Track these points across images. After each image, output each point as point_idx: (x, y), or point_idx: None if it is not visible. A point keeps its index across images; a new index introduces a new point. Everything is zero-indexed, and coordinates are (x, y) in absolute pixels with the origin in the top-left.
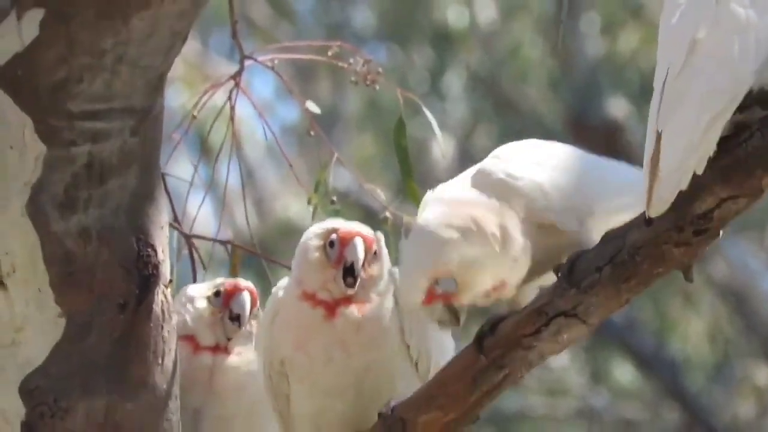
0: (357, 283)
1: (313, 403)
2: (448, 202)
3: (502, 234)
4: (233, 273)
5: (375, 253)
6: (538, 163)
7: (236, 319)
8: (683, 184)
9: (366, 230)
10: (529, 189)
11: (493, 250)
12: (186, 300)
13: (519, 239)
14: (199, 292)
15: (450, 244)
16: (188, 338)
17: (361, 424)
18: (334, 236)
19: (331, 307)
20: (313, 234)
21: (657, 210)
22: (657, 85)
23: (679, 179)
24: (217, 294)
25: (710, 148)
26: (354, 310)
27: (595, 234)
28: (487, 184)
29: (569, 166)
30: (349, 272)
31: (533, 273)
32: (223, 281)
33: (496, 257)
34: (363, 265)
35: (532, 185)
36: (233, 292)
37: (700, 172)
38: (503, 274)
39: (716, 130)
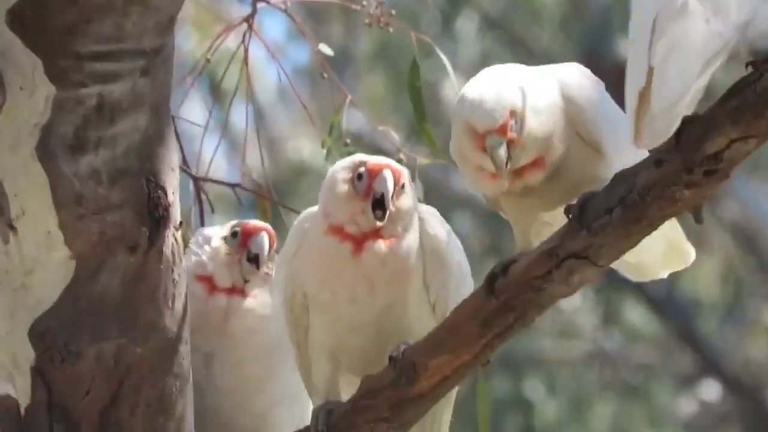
0: (386, 216)
1: (332, 337)
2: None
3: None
4: (263, 219)
5: (402, 186)
6: (599, 91)
7: (254, 260)
8: (676, 123)
9: (394, 163)
10: (586, 101)
11: (552, 122)
12: (203, 240)
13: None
14: (216, 232)
15: (530, 94)
16: (204, 279)
17: (377, 360)
18: (362, 169)
19: (359, 241)
20: (341, 167)
21: (646, 143)
22: (643, 15)
23: (672, 118)
24: (234, 235)
25: (701, 91)
26: (381, 244)
27: None
28: (557, 81)
29: (616, 111)
30: (379, 204)
31: (555, 196)
32: (239, 222)
33: (550, 128)
34: (392, 197)
35: (591, 102)
36: (251, 233)
37: (689, 113)
38: (546, 150)
39: (708, 73)
